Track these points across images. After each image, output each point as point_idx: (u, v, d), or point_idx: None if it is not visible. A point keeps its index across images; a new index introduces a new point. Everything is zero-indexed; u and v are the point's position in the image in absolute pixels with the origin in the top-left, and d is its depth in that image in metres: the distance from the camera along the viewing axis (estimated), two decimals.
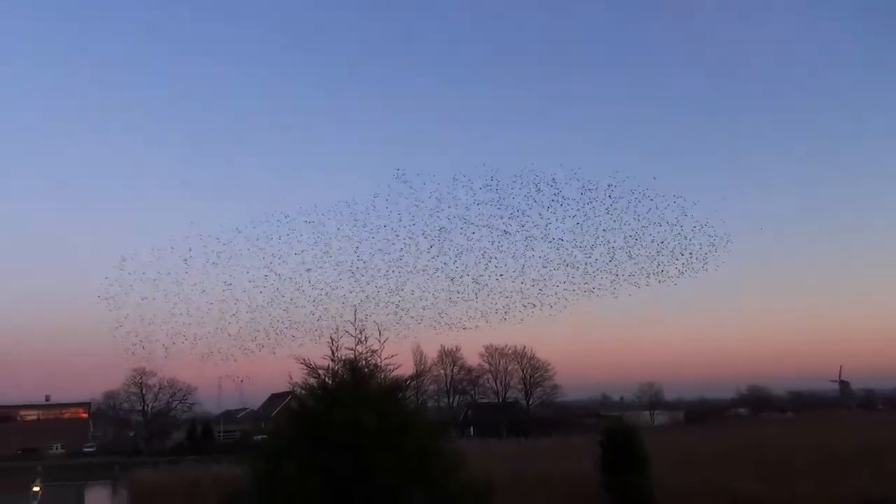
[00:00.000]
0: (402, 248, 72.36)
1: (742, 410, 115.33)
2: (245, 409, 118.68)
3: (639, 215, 70.10)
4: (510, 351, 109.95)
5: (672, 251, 68.89)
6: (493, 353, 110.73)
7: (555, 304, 77.05)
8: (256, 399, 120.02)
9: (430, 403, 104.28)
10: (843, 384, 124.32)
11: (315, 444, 5.70)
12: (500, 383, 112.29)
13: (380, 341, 6.36)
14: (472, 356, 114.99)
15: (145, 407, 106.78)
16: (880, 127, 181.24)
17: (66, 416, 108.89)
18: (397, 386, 6.29)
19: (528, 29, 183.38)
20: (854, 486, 18.20)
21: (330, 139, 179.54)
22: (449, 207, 79.74)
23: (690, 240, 67.53)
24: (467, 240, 78.23)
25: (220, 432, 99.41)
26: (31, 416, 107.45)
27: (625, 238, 73.21)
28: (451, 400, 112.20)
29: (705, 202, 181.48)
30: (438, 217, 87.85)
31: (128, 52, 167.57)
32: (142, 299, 79.23)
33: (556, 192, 70.34)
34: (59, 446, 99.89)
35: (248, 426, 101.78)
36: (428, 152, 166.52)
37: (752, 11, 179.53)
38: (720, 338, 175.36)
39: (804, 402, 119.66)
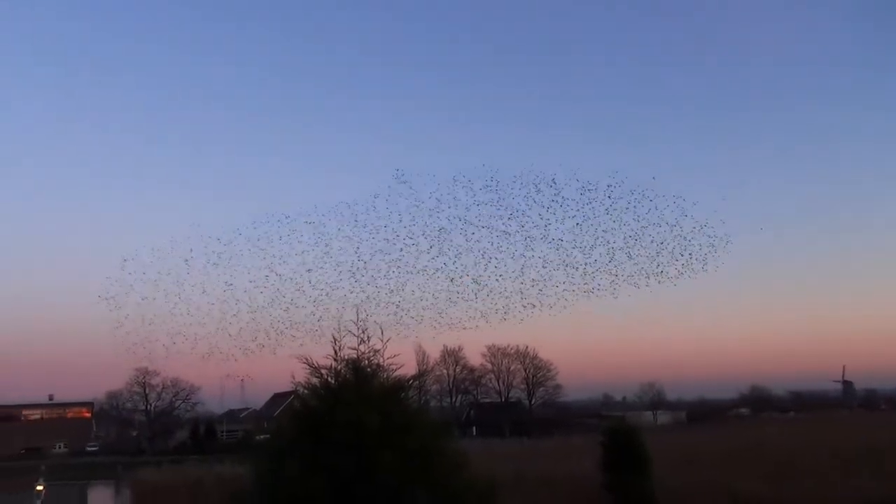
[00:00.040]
0: (402, 249, 72.46)
1: (744, 410, 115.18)
2: (248, 408, 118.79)
3: (638, 216, 70.16)
4: (512, 351, 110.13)
5: (672, 252, 68.90)
6: (496, 353, 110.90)
7: (554, 304, 77.19)
8: (259, 399, 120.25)
9: (432, 403, 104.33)
10: (847, 384, 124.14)
11: (318, 443, 5.73)
12: (503, 383, 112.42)
13: (382, 341, 6.39)
14: (474, 356, 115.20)
15: (148, 406, 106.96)
16: (880, 127, 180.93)
17: (70, 415, 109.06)
18: (400, 386, 6.31)
19: (529, 29, 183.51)
20: (856, 487, 18.20)
21: (330, 139, 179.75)
22: (449, 208, 79.44)
23: (690, 240, 67.60)
24: (467, 240, 78.20)
25: (222, 432, 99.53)
26: (35, 415, 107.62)
27: (624, 238, 73.16)
28: (453, 400, 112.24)
29: (705, 202, 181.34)
30: (438, 217, 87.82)
31: (128, 52, 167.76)
32: (142, 299, 79.35)
33: (556, 192, 70.49)
34: (62, 446, 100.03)
35: (251, 426, 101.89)
36: (428, 152, 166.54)
37: (752, 11, 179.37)
38: (722, 338, 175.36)
39: (806, 402, 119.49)
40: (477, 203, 78.17)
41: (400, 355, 6.38)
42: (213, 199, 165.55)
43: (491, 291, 72.64)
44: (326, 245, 73.37)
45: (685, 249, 67.94)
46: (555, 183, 70.36)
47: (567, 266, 72.47)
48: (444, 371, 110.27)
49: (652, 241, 69.79)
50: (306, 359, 6.26)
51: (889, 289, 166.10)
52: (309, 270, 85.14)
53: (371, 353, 6.31)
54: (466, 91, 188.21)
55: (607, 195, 69.25)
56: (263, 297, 78.51)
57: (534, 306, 75.45)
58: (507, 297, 75.04)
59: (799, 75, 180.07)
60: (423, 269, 72.89)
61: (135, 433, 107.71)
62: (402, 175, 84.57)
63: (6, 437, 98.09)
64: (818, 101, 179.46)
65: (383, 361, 6.31)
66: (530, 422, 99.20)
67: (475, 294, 72.07)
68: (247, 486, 6.11)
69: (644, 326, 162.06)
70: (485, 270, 74.46)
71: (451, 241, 79.05)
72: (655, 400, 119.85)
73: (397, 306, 71.24)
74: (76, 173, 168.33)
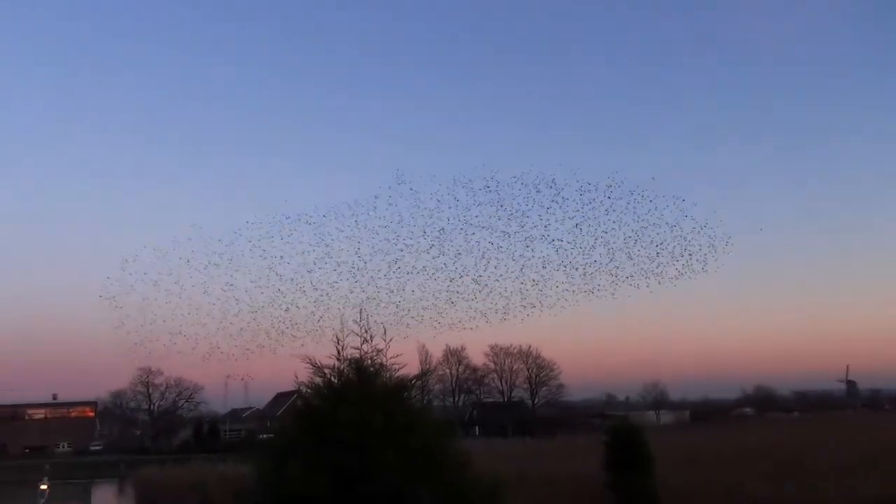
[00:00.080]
0: (402, 249, 72.57)
1: (747, 410, 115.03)
2: (251, 408, 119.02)
3: (638, 216, 70.16)
4: (515, 350, 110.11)
5: (672, 252, 68.88)
6: (499, 353, 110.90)
7: (555, 304, 77.21)
8: (262, 398, 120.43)
9: (435, 403, 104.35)
10: (850, 384, 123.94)
11: (320, 442, 5.74)
12: (506, 383, 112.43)
13: (385, 340, 6.40)
14: (477, 356, 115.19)
15: (152, 406, 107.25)
16: (880, 127, 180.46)
17: (74, 414, 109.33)
18: (403, 385, 6.32)
19: (529, 29, 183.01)
20: (858, 487, 18.16)
21: (330, 139, 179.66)
22: (449, 208, 79.40)
23: (690, 241, 67.56)
24: (467, 240, 78.43)
25: (225, 431, 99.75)
26: (39, 414, 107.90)
27: (624, 239, 73.08)
28: (456, 399, 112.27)
29: (705, 202, 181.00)
30: (439, 218, 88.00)
31: (128, 52, 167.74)
32: (143, 299, 79.59)
33: (556, 192, 70.46)
34: (66, 445, 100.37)
35: (254, 425, 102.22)
36: (428, 152, 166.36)
37: (752, 11, 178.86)
38: (724, 338, 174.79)
39: (810, 401, 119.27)
40: (477, 203, 78.17)
41: (403, 355, 6.39)
42: (214, 199, 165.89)
43: (491, 291, 72.77)
44: (327, 245, 73.41)
45: (685, 250, 67.96)
46: (555, 183, 70.39)
47: (567, 266, 72.49)
48: (447, 371, 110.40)
49: (652, 242, 69.82)
50: (309, 358, 6.28)
51: (890, 288, 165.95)
52: (309, 271, 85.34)
53: (374, 353, 6.32)
54: (466, 91, 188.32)
55: (607, 195, 69.37)
56: (264, 298, 78.59)
57: (534, 306, 75.52)
58: (507, 298, 74.87)
59: (799, 75, 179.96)
60: (423, 269, 73.04)
61: (138, 432, 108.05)
62: (402, 176, 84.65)
63: (11, 436, 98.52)
64: (818, 101, 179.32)
65: (386, 361, 6.32)
66: (533, 421, 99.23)
67: (475, 294, 72.18)
68: (250, 485, 6.13)
69: (647, 326, 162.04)
70: (485, 271, 74.60)
71: (452, 241, 79.25)
72: (658, 399, 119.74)
73: (397, 306, 71.38)
74: (76, 173, 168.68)
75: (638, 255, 70.09)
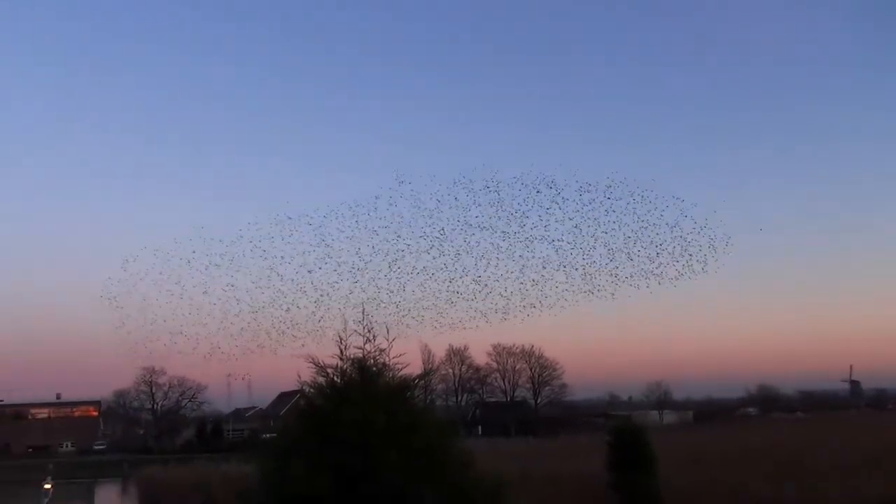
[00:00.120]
0: (402, 249, 72.70)
1: (751, 410, 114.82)
2: (254, 407, 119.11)
3: (638, 216, 70.19)
4: (518, 350, 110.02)
5: (672, 252, 68.89)
6: (502, 353, 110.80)
7: (555, 304, 77.38)
8: (265, 398, 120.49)
9: (438, 402, 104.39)
10: (854, 384, 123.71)
11: (323, 442, 5.74)
12: (509, 382, 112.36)
13: (388, 340, 6.40)
14: (480, 355, 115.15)
15: (155, 405, 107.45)
16: (880, 127, 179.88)
17: (77, 414, 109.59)
18: (406, 385, 6.32)
19: (529, 29, 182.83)
20: (861, 487, 18.12)
21: (330, 139, 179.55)
22: (449, 209, 79.45)
23: (690, 241, 67.55)
24: (467, 241, 78.52)
25: (229, 430, 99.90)
26: (43, 414, 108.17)
27: (624, 239, 73.24)
28: (459, 399, 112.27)
29: (705, 203, 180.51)
30: (439, 218, 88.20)
31: (128, 52, 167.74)
32: (144, 299, 79.87)
33: (556, 193, 70.55)
34: (69, 444, 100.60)
35: (257, 424, 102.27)
36: (428, 152, 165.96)
37: (752, 11, 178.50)
38: (726, 338, 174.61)
39: (814, 401, 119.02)
40: (477, 204, 78.34)
41: (405, 354, 6.39)
42: (214, 199, 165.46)
43: (491, 291, 72.90)
44: (327, 246, 73.62)
45: (685, 250, 67.95)
46: (554, 184, 70.51)
47: (567, 266, 72.60)
48: (450, 370, 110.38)
49: (652, 242, 69.90)
50: (312, 358, 6.28)
51: (890, 288, 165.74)
52: (310, 271, 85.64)
53: (377, 353, 6.32)
54: (466, 91, 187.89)
55: (607, 196, 69.48)
56: (265, 298, 78.81)
57: (534, 306, 75.60)
58: (507, 298, 74.87)
59: (799, 75, 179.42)
60: (423, 269, 73.18)
61: (141, 432, 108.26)
62: (403, 176, 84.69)
63: (15, 435, 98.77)
64: (818, 101, 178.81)
65: (389, 360, 6.31)
66: (536, 421, 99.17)
67: (475, 294, 72.28)
68: (253, 484, 6.13)
69: (647, 326, 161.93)
70: (485, 271, 74.69)
71: (452, 241, 79.36)
72: (662, 399, 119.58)
73: (398, 306, 71.52)
74: (76, 173, 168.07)
75: (638, 256, 70.16)
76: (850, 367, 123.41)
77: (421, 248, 73.19)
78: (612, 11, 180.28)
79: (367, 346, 6.32)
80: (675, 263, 68.84)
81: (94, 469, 72.66)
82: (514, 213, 73.40)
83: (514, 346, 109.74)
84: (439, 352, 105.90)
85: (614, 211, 71.12)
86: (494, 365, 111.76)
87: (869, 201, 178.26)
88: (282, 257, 75.76)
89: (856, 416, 79.75)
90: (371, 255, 73.59)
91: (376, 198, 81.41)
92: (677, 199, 78.85)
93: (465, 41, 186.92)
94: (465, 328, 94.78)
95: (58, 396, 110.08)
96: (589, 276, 72.06)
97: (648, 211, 69.39)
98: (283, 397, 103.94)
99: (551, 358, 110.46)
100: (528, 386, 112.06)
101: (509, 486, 6.30)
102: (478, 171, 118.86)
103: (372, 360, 6.27)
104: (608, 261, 75.50)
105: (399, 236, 72.11)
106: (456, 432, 6.90)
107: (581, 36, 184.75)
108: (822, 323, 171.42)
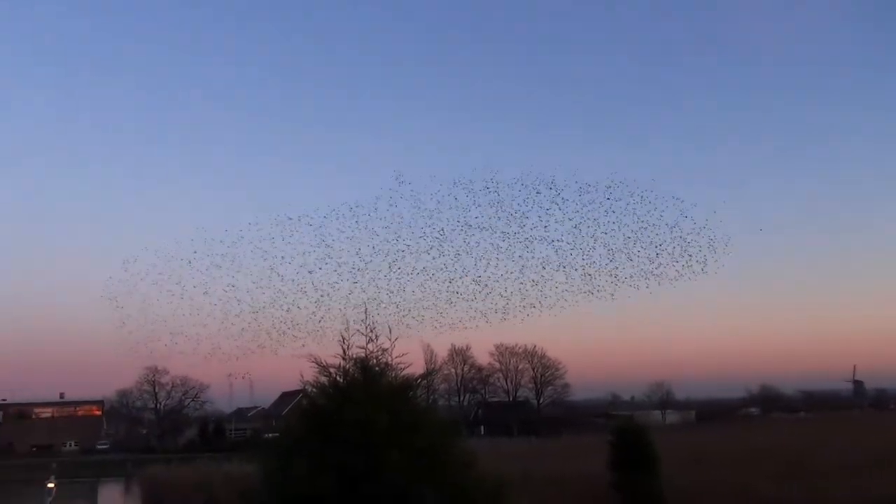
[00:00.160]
0: (402, 250, 72.77)
1: (753, 410, 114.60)
2: (256, 407, 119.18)
3: (638, 217, 70.26)
4: (521, 350, 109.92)
5: (671, 253, 68.89)
6: (504, 352, 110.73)
7: (554, 304, 77.43)
8: (267, 397, 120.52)
9: (440, 402, 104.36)
10: (857, 383, 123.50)
11: (326, 442, 5.74)
12: (511, 382, 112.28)
13: (390, 340, 6.40)
14: (482, 355, 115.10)
15: (158, 405, 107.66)
16: (880, 127, 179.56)
17: (80, 413, 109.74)
18: (408, 384, 6.32)
19: (529, 29, 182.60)
20: (868, 487, 18.08)
21: (330, 139, 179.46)
22: (449, 209, 79.53)
23: (689, 242, 67.53)
24: (466, 241, 78.62)
25: (231, 430, 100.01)
26: (46, 413, 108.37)
27: (624, 240, 73.22)
28: (461, 399, 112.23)
29: (705, 203, 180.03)
30: (438, 218, 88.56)
31: (128, 52, 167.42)
32: (144, 299, 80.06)
33: (556, 193, 70.61)
34: (72, 443, 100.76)
35: (259, 424, 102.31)
36: (428, 152, 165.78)
37: (752, 11, 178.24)
38: (726, 338, 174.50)
39: (815, 401, 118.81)
40: (477, 204, 78.41)
41: (408, 354, 6.39)
42: (214, 199, 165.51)
43: (491, 292, 72.95)
44: (328, 246, 73.74)
45: (685, 251, 67.97)
46: (554, 184, 70.58)
47: (567, 267, 72.67)
48: (452, 370, 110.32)
49: (651, 243, 69.94)
50: (315, 358, 6.28)
51: (890, 288, 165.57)
52: (310, 271, 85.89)
53: (379, 352, 6.31)
54: (466, 91, 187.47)
55: (606, 196, 69.54)
56: (265, 298, 79.06)
57: (534, 307, 75.64)
58: (507, 298, 74.95)
59: (799, 75, 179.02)
60: (423, 269, 73.26)
61: (144, 431, 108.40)
62: (403, 176, 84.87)
63: (18, 434, 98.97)
64: (818, 101, 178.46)
65: (391, 360, 6.31)
66: (538, 421, 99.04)
67: (475, 294, 72.36)
68: (255, 484, 6.14)
69: (647, 327, 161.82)
70: (485, 271, 74.73)
71: (452, 241, 79.43)
72: (664, 399, 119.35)
73: (398, 307, 71.64)
74: (76, 173, 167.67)
75: (638, 256, 70.25)
76: (854, 367, 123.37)
77: (421, 248, 73.46)
78: (612, 11, 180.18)
79: (370, 346, 6.32)
80: (674, 264, 68.93)
81: (97, 468, 72.82)
82: (514, 214, 73.60)
83: (516, 345, 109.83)
84: (442, 352, 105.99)
85: (614, 211, 71.28)
86: (497, 365, 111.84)
87: (869, 201, 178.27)
88: (282, 258, 75.86)
89: (859, 416, 79.64)
90: (371, 256, 73.77)
91: (376, 198, 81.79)
92: (677, 199, 79.06)
93: (466, 41, 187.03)
94: (465, 328, 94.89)
95: (61, 396, 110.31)
96: (589, 277, 72.18)
97: (648, 211, 69.55)
98: (286, 397, 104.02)
99: (554, 358, 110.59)
100: (530, 386, 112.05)
101: (511, 486, 6.30)
102: (478, 172, 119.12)
103: (374, 360, 6.27)
104: (608, 261, 75.55)
105: (399, 237, 72.49)
106: (458, 432, 6.89)
107: (581, 36, 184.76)
108: (822, 323, 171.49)
